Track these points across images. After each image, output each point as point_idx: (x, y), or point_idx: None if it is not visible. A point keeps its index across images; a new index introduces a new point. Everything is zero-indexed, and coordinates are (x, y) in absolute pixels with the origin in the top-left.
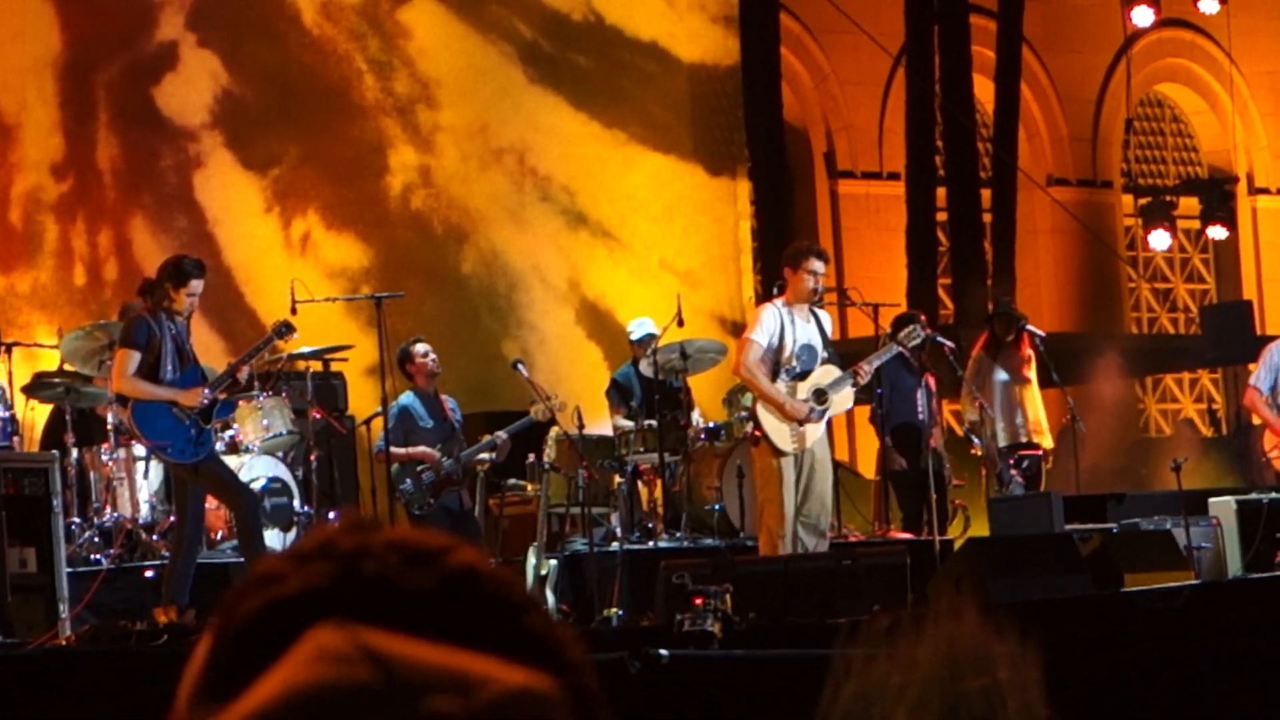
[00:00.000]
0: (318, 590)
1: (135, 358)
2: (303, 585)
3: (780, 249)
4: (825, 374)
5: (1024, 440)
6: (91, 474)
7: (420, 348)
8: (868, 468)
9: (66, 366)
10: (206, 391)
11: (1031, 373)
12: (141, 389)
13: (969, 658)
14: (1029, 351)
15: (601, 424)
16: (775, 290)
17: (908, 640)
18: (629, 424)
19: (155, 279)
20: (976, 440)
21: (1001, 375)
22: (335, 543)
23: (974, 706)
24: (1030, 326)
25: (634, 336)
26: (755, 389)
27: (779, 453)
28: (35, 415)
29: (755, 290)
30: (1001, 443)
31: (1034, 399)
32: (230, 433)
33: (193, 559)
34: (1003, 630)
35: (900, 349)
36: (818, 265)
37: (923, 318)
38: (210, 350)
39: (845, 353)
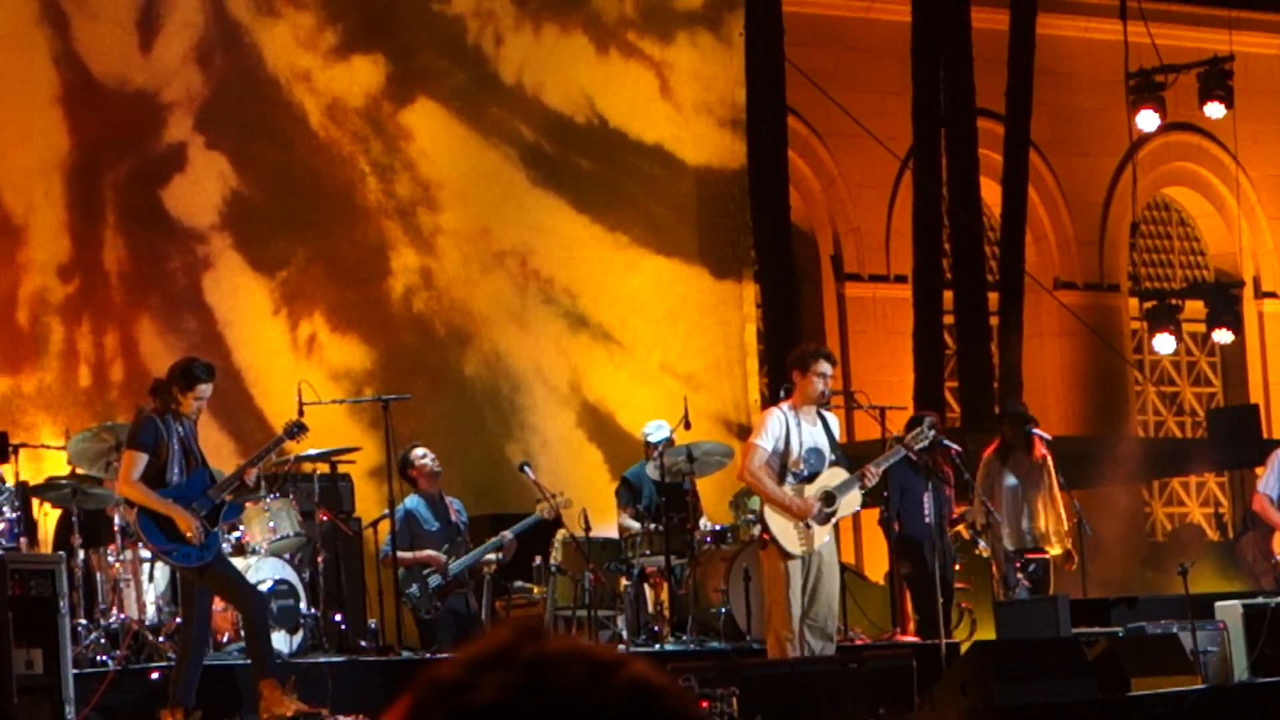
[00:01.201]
0: (506, 702)
1: (142, 460)
2: (491, 697)
3: (787, 351)
4: (832, 476)
5: (1030, 545)
6: (98, 575)
7: (418, 451)
8: (874, 570)
9: (77, 469)
10: (202, 525)
11: (1047, 476)
12: (146, 497)
13: None
14: (1043, 454)
15: (608, 525)
16: (782, 393)
17: None
18: (635, 525)
19: (164, 380)
20: (983, 543)
21: (1010, 480)
22: (514, 651)
23: None
24: (1038, 430)
25: (652, 439)
26: (761, 492)
27: (787, 555)
28: (48, 519)
29: (762, 393)
30: (1009, 547)
31: (1046, 503)
32: (237, 534)
33: (200, 661)
34: None
35: (906, 451)
36: (826, 368)
37: (932, 418)
38: (220, 451)
39: (852, 455)
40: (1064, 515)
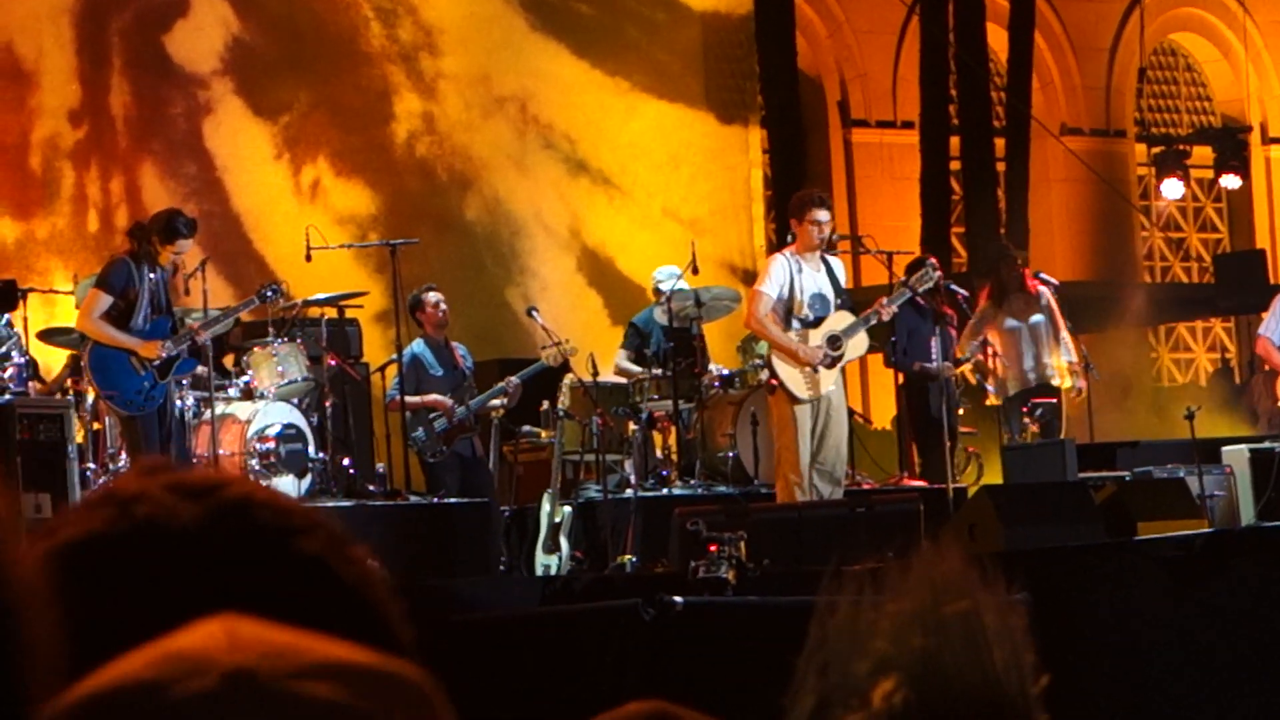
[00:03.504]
0: (91, 535)
1: (107, 301)
2: (77, 531)
3: None
4: (839, 319)
5: (1034, 384)
6: (106, 419)
7: (432, 296)
8: (880, 416)
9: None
10: (168, 345)
11: (1041, 314)
12: (105, 333)
13: (950, 588)
14: (1037, 288)
15: (611, 370)
16: (790, 239)
17: (892, 581)
18: (634, 368)
19: (146, 226)
20: (990, 388)
21: (1010, 322)
22: (119, 488)
23: (953, 636)
24: (1042, 274)
25: (663, 286)
26: (768, 339)
27: (796, 400)
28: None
29: (769, 239)
30: (1011, 391)
31: (1047, 338)
32: (245, 379)
33: None
34: (988, 577)
35: (911, 292)
36: (821, 215)
37: (933, 261)
38: (219, 297)
39: (859, 300)
40: (1072, 348)
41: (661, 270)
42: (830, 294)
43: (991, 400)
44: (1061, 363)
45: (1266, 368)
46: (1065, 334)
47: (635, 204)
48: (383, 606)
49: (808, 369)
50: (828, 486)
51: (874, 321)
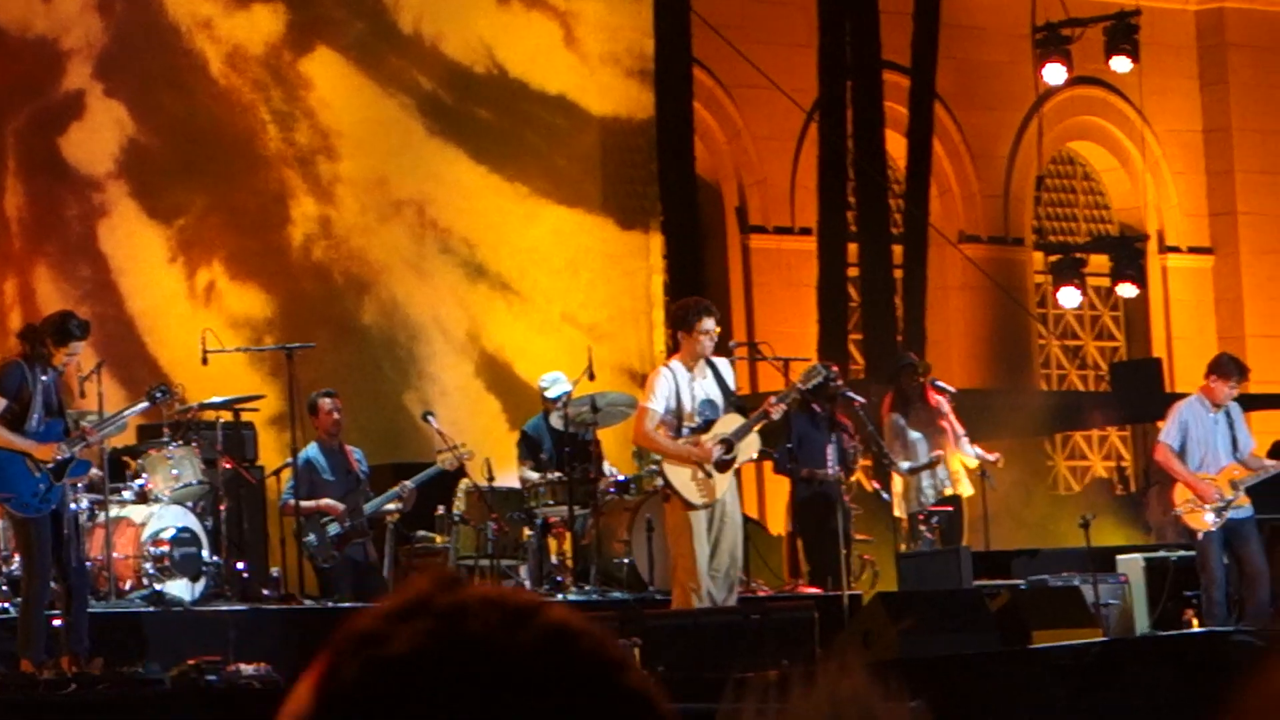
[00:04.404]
0: (420, 651)
1: (1, 404)
2: (406, 645)
3: None
4: (728, 422)
5: (947, 493)
6: (1, 522)
7: (326, 402)
8: (776, 522)
9: None
10: (63, 447)
11: (947, 423)
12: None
13: (850, 702)
14: (937, 401)
15: (507, 475)
16: (674, 348)
17: (794, 695)
18: (534, 476)
19: (39, 328)
20: (886, 497)
21: (913, 434)
22: (430, 600)
23: None
24: (939, 382)
25: (549, 394)
26: (658, 451)
27: (690, 506)
28: None
29: (666, 344)
30: (930, 501)
31: (949, 447)
32: (140, 482)
33: (84, 605)
34: (891, 690)
35: (799, 391)
36: (708, 324)
37: (834, 368)
38: (112, 399)
39: (754, 406)
40: (968, 455)
41: (546, 377)
42: (719, 398)
43: (899, 512)
44: (969, 462)
45: (1163, 476)
46: (965, 438)
47: (534, 309)
48: None
49: (701, 476)
50: (723, 592)
51: (764, 422)
